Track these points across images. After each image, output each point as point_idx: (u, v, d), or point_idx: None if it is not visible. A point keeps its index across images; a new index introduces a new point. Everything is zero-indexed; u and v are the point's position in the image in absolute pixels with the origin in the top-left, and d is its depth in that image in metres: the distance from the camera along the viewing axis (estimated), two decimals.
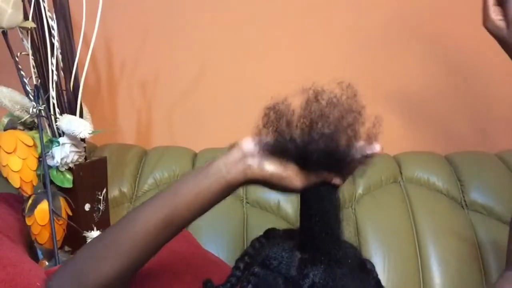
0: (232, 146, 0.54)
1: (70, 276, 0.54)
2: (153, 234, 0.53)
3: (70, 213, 0.80)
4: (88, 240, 0.81)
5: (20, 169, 0.75)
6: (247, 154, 0.52)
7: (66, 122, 0.77)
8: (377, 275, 0.59)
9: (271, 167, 0.52)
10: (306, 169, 0.52)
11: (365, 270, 0.58)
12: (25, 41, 0.79)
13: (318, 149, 0.50)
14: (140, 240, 0.53)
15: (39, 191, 0.78)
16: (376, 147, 0.57)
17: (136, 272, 0.56)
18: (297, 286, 0.52)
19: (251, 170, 0.52)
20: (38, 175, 0.78)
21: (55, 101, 0.80)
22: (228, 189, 0.53)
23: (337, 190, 0.55)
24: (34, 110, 0.78)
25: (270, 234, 0.63)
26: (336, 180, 0.54)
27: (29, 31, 0.77)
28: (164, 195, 0.55)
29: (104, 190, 0.88)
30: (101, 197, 0.87)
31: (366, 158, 0.57)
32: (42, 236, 0.76)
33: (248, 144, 0.52)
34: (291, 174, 0.52)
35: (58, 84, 0.80)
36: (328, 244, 0.54)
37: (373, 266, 0.59)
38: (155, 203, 0.55)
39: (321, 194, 0.54)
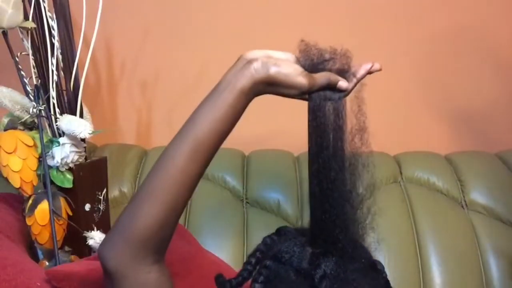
0: (237, 59, 0.57)
1: (117, 234, 0.54)
2: (186, 168, 0.53)
3: (70, 213, 0.80)
4: (89, 240, 0.81)
5: (20, 169, 0.75)
6: (252, 60, 0.54)
7: (66, 122, 0.77)
8: (386, 275, 0.60)
9: (276, 66, 0.54)
10: (309, 69, 0.57)
11: (376, 269, 0.59)
12: (25, 41, 0.79)
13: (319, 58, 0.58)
14: (173, 180, 0.53)
15: (39, 191, 0.78)
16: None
17: (178, 217, 0.55)
18: (308, 277, 0.53)
19: (257, 71, 0.53)
20: (38, 175, 0.78)
21: (55, 101, 0.80)
22: (243, 98, 0.54)
23: (342, 100, 0.58)
24: (34, 110, 0.78)
25: (281, 231, 0.63)
26: (342, 83, 0.58)
27: (29, 31, 0.77)
28: (185, 126, 0.55)
29: (104, 190, 0.88)
30: (101, 197, 0.87)
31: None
32: (42, 236, 0.76)
33: (251, 53, 0.56)
34: (296, 71, 0.55)
35: (58, 84, 0.80)
36: (340, 238, 0.55)
37: (383, 267, 0.60)
38: (179, 139, 0.55)
39: (327, 100, 0.57)
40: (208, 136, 0.53)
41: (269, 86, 0.55)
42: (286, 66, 0.55)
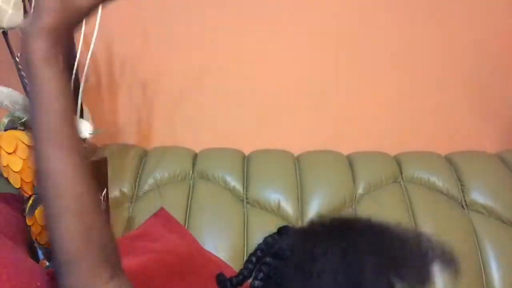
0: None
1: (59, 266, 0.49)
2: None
3: None
4: None
5: (21, 169, 0.75)
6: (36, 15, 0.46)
7: None
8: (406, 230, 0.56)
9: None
10: None
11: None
12: None
13: None
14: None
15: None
16: None
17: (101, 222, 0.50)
18: (308, 272, 0.52)
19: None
20: None
21: None
22: (50, 62, 0.47)
23: None
24: None
25: (283, 230, 0.63)
26: None
27: None
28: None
29: (105, 190, 0.88)
30: (102, 197, 0.87)
31: None
32: (42, 236, 0.76)
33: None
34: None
35: None
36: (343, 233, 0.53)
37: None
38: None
39: None
40: (50, 121, 0.47)
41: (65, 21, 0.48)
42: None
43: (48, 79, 0.47)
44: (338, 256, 0.53)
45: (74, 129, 0.49)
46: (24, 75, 0.48)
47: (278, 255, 0.56)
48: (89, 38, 0.77)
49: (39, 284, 0.63)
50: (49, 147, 0.47)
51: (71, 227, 0.47)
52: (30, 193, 0.77)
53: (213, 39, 1.14)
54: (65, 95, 0.48)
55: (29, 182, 0.76)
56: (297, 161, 1.08)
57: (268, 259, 0.56)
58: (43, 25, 0.46)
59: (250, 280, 0.58)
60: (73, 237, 0.47)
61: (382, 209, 1.00)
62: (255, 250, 0.61)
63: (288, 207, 1.01)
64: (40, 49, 0.46)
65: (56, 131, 0.47)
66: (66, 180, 0.48)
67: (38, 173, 0.48)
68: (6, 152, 0.75)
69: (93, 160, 0.86)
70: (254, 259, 0.60)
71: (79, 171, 0.50)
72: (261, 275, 0.55)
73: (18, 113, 0.80)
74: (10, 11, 0.73)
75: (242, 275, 0.59)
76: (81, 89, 0.81)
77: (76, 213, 0.48)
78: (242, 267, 0.60)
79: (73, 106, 0.49)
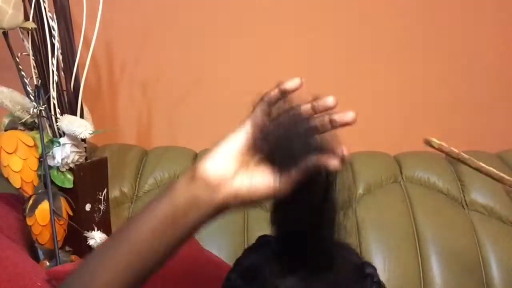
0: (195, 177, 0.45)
1: None
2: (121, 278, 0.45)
3: (71, 213, 0.80)
4: (89, 240, 0.82)
5: (21, 169, 0.75)
6: (216, 188, 0.44)
7: (67, 122, 0.77)
8: (378, 279, 0.55)
9: (242, 182, 0.44)
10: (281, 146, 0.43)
11: (364, 274, 0.54)
12: (25, 42, 0.79)
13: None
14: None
15: (39, 191, 0.78)
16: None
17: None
18: None
19: (220, 204, 0.46)
20: (39, 175, 0.78)
21: (55, 102, 0.80)
22: (202, 224, 0.48)
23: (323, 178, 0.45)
24: (35, 110, 0.78)
25: (261, 241, 0.60)
26: (332, 163, 0.42)
27: (29, 32, 0.77)
28: (131, 236, 0.46)
29: (105, 190, 0.88)
30: (102, 197, 0.87)
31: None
32: (43, 236, 0.76)
33: (211, 173, 0.44)
34: (268, 188, 0.44)
35: (58, 85, 0.80)
36: (306, 250, 0.48)
37: (373, 269, 0.55)
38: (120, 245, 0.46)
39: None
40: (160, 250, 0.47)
41: (241, 205, 0.46)
42: (257, 188, 0.43)
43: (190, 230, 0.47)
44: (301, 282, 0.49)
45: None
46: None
47: (243, 275, 0.54)
48: (89, 38, 0.77)
49: (39, 284, 0.63)
50: None
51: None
52: (30, 193, 0.77)
53: (213, 39, 1.14)
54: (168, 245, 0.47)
55: (29, 182, 0.76)
56: None
57: (233, 277, 0.53)
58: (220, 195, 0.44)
59: None
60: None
61: (382, 209, 1.00)
62: (233, 266, 0.59)
63: None
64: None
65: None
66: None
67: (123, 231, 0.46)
68: (6, 152, 0.75)
69: (93, 160, 0.86)
70: (232, 276, 0.57)
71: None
72: None
73: (18, 113, 0.80)
74: (10, 12, 0.73)
75: None
76: (81, 89, 0.81)
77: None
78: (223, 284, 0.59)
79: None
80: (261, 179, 0.44)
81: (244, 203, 0.45)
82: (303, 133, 0.43)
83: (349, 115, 0.43)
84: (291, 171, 0.42)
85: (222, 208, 0.46)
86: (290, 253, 0.50)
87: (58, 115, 0.80)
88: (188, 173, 0.45)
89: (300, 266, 0.49)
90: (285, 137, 0.43)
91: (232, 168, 0.44)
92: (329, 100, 0.44)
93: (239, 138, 0.45)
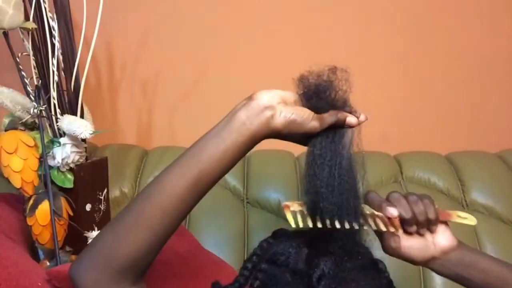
0: (249, 98, 0.55)
1: (97, 256, 0.52)
2: (183, 199, 0.52)
3: (71, 213, 0.80)
4: (89, 240, 0.82)
5: (21, 169, 0.75)
6: (269, 106, 0.53)
7: (67, 122, 0.77)
8: (389, 275, 0.59)
9: (290, 114, 0.53)
10: (319, 111, 0.55)
11: (377, 269, 0.58)
12: (26, 42, 0.79)
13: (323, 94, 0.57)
14: (171, 208, 0.51)
15: (40, 191, 0.78)
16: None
17: (162, 246, 0.54)
18: (305, 278, 0.52)
19: (274, 121, 0.53)
20: (39, 175, 0.78)
21: (56, 102, 0.80)
22: (253, 142, 0.54)
23: (351, 134, 0.56)
24: (35, 110, 0.78)
25: (278, 234, 0.62)
26: (351, 120, 0.56)
27: (30, 32, 0.77)
28: (189, 158, 0.53)
29: (105, 190, 0.88)
30: (102, 197, 0.87)
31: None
32: (43, 236, 0.76)
33: (265, 95, 0.54)
34: (308, 117, 0.54)
35: (59, 85, 0.80)
36: (339, 237, 0.53)
37: (384, 266, 0.59)
38: (182, 167, 0.53)
39: (337, 134, 0.56)
40: (212, 172, 0.53)
41: (282, 134, 0.55)
42: (299, 113, 0.54)
43: (239, 147, 0.54)
44: (336, 261, 0.52)
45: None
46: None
47: (273, 260, 0.55)
48: (90, 38, 0.77)
49: (40, 284, 0.63)
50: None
51: (140, 241, 0.51)
52: (30, 193, 0.77)
53: (213, 39, 1.14)
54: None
55: (29, 182, 0.76)
56: (297, 161, 1.08)
57: (263, 266, 0.55)
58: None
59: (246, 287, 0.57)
60: (130, 249, 0.51)
61: None
62: (250, 256, 0.60)
63: None
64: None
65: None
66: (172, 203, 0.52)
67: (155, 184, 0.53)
68: (7, 152, 0.75)
69: (94, 160, 0.86)
70: (249, 265, 0.59)
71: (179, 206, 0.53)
72: (257, 282, 0.54)
73: (18, 113, 0.80)
74: (10, 12, 0.73)
75: (238, 283, 0.58)
76: (81, 89, 0.81)
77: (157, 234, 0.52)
78: (238, 273, 0.60)
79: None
80: (310, 118, 0.55)
81: (293, 132, 0.55)
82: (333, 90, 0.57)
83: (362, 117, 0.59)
84: (325, 112, 0.55)
85: (272, 128, 0.54)
86: (321, 239, 0.54)
87: (59, 115, 0.80)
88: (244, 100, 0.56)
89: (331, 249, 0.53)
90: (322, 91, 0.57)
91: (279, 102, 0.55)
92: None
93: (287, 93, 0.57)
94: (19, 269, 0.64)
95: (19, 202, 0.83)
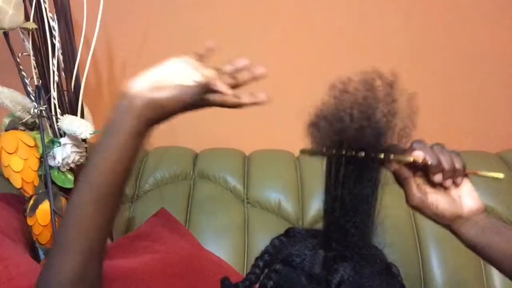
0: (121, 98, 0.54)
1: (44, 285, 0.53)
2: (93, 217, 0.51)
3: None
4: None
5: (22, 169, 0.75)
6: (133, 97, 0.53)
7: (68, 122, 0.77)
8: (402, 279, 0.58)
9: (157, 93, 0.53)
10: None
11: (391, 273, 0.56)
12: (26, 42, 0.79)
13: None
14: (84, 228, 0.50)
15: (40, 191, 0.78)
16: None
17: (101, 258, 0.53)
18: (322, 283, 0.50)
19: (138, 110, 0.53)
20: (40, 176, 0.78)
21: (56, 102, 0.80)
22: (134, 137, 0.53)
23: (376, 170, 0.54)
24: (35, 110, 0.78)
25: (291, 232, 0.60)
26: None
27: (30, 32, 0.77)
28: (85, 174, 0.52)
29: None
30: None
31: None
32: (43, 236, 0.77)
33: (133, 86, 0.54)
34: (181, 90, 0.55)
35: (59, 85, 0.80)
36: (356, 241, 0.52)
37: (397, 270, 0.58)
38: (81, 186, 0.52)
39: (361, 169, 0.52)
40: (107, 180, 0.51)
41: (158, 116, 0.55)
42: (170, 90, 0.54)
43: (122, 148, 0.52)
44: (355, 267, 0.51)
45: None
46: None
47: (288, 261, 0.53)
48: (90, 38, 0.77)
49: None
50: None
51: (94, 218, 0.51)
52: (31, 193, 0.77)
53: (213, 39, 1.14)
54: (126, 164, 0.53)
55: (30, 183, 0.76)
56: (298, 161, 1.08)
57: (277, 266, 0.53)
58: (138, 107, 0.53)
59: (256, 286, 0.55)
60: (88, 228, 0.50)
61: (383, 209, 1.00)
62: (262, 254, 0.58)
63: (289, 207, 1.01)
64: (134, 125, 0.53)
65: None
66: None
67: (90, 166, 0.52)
68: (7, 153, 0.75)
69: None
70: (261, 263, 0.57)
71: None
72: (270, 283, 0.52)
73: (19, 114, 0.80)
74: (10, 12, 0.73)
75: (249, 281, 0.56)
76: (81, 89, 0.81)
77: (104, 209, 0.51)
78: (243, 268, 0.59)
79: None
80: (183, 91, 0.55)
81: (161, 112, 0.54)
82: None
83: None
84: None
85: (143, 117, 0.53)
86: (338, 243, 0.52)
87: (59, 115, 0.80)
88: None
89: (349, 255, 0.51)
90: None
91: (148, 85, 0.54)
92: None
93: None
94: (19, 269, 0.64)
95: (19, 202, 0.83)
